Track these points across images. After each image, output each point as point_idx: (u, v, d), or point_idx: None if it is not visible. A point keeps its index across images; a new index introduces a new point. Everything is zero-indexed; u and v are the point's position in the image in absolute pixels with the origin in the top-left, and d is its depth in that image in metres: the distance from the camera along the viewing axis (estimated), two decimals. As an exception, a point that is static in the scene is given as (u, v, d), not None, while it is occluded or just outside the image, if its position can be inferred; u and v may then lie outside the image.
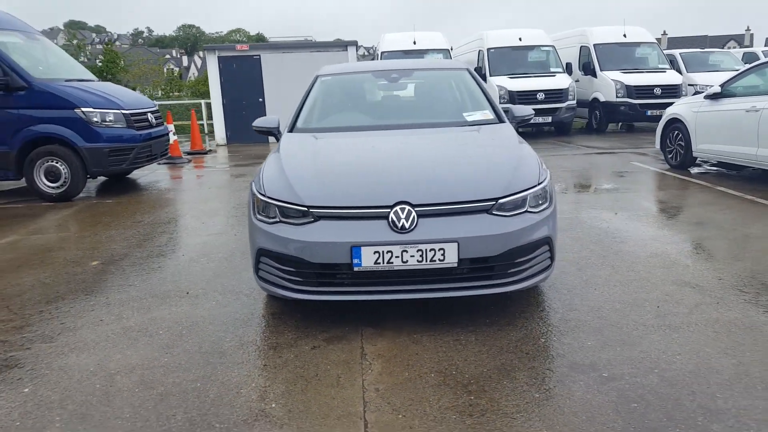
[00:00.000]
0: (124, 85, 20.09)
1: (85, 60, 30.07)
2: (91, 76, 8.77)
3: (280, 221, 3.18)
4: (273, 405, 2.59)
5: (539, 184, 3.30)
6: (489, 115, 4.30)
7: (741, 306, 3.48)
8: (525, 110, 4.53)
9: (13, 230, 6.05)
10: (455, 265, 3.00)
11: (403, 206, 3.03)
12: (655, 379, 2.68)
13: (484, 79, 14.25)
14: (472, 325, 3.31)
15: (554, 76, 13.96)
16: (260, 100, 14.87)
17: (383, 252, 2.97)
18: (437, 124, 4.19)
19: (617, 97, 13.56)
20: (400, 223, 3.00)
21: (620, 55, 14.60)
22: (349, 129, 4.20)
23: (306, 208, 3.12)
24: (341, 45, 15.21)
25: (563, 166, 9.11)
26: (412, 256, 2.97)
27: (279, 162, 3.61)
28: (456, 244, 2.97)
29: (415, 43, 14.61)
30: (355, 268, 3.00)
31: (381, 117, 4.51)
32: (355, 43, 15.12)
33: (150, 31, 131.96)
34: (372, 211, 3.06)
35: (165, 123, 9.50)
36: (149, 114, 8.38)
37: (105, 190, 8.55)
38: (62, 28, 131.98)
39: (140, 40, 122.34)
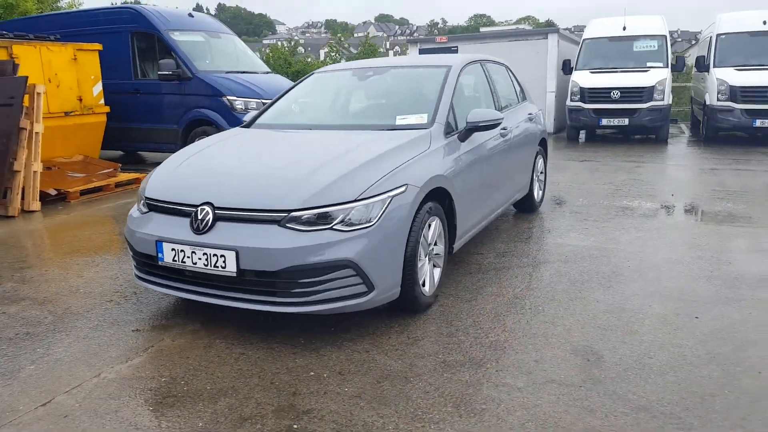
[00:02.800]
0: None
1: (343, 53, 33.72)
2: (261, 68, 10.08)
3: (138, 210, 3.50)
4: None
5: (357, 200, 2.96)
6: (423, 119, 3.86)
7: None
8: (482, 115, 3.93)
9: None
10: (234, 274, 2.94)
11: (205, 207, 3.07)
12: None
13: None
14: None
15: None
16: (455, 90, 14.95)
17: (178, 250, 3.08)
18: (362, 127, 3.95)
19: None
20: (196, 224, 3.05)
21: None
22: (288, 127, 4.23)
23: (144, 199, 3.38)
24: (541, 33, 14.29)
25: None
26: (199, 259, 3.02)
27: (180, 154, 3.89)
28: (235, 252, 2.91)
29: (624, 29, 12.87)
30: (159, 262, 3.17)
31: (326, 116, 4.41)
32: (556, 31, 14.04)
33: (444, 21, 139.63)
34: (181, 208, 3.18)
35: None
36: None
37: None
38: (373, 22, 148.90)
39: (435, 30, 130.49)
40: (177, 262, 3.10)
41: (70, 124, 8.12)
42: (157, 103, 9.17)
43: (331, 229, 2.91)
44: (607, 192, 6.94)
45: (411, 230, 3.22)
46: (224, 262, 2.95)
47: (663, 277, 4.01)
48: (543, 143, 6.02)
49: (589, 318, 3.37)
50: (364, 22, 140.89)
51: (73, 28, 9.33)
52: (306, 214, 2.92)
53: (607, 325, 3.28)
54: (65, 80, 7.96)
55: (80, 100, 8.22)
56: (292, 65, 25.59)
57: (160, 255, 3.16)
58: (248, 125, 4.40)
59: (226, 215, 3.04)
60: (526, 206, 5.89)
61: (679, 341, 3.06)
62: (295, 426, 2.39)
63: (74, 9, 10.46)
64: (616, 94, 11.59)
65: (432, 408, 2.50)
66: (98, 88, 8.55)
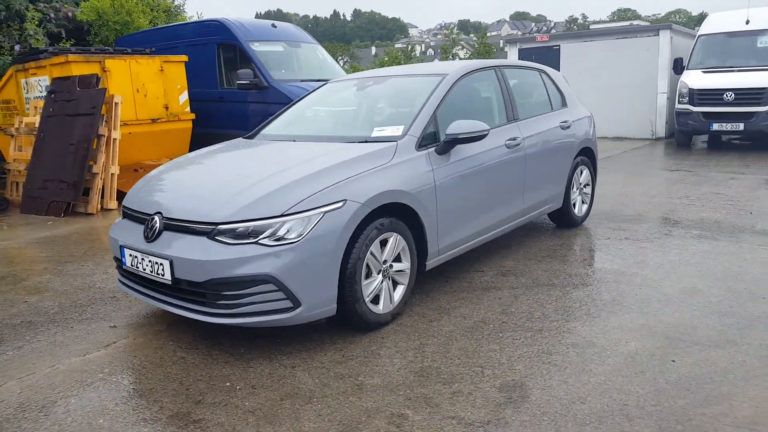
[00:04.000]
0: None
1: (462, 53, 33.22)
2: (340, 76, 10.32)
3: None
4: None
5: (284, 216, 2.95)
6: (398, 131, 3.73)
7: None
8: (464, 126, 3.71)
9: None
10: (170, 282, 3.07)
11: (155, 217, 3.24)
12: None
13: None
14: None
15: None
16: (554, 93, 14.21)
17: (134, 256, 3.28)
18: (340, 138, 3.90)
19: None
20: (146, 233, 3.23)
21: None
22: (277, 138, 4.28)
23: (124, 206, 3.63)
24: (652, 29, 13.10)
25: None
26: (147, 265, 3.19)
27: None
28: (170, 262, 3.04)
29: (747, 22, 11.41)
30: (123, 266, 3.40)
31: (314, 127, 4.41)
32: (669, 27, 12.80)
33: (585, 17, 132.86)
34: (141, 217, 3.37)
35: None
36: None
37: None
38: (508, 20, 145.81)
39: (574, 26, 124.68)
40: (134, 267, 3.30)
41: (157, 130, 8.89)
42: (240, 111, 9.74)
43: (256, 243, 2.93)
44: (675, 207, 6.22)
45: (353, 247, 3.14)
46: (162, 270, 3.09)
47: (666, 310, 3.53)
48: (588, 153, 5.55)
49: (545, 351, 3.07)
50: (498, 21, 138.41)
51: (170, 40, 10.20)
52: (231, 227, 2.97)
53: (561, 361, 2.96)
54: (152, 90, 8.74)
55: (166, 108, 8.97)
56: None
57: (123, 259, 3.38)
58: (251, 135, 4.54)
59: (171, 225, 3.17)
60: (563, 221, 5.47)
61: (630, 388, 2.68)
62: (173, 435, 2.45)
63: (171, 24, 11.39)
64: (729, 96, 10.34)
65: (313, 431, 2.43)
66: (184, 96, 9.27)
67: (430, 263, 3.76)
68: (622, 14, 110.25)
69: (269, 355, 3.14)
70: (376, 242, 3.28)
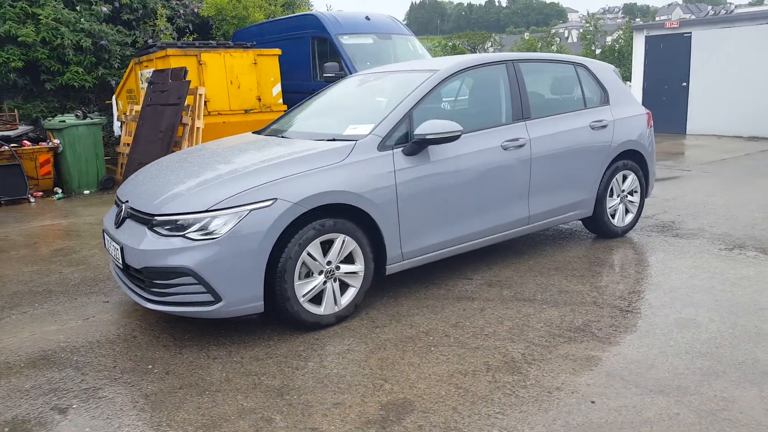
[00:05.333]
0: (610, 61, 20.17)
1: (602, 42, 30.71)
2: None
3: None
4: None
5: (209, 211, 3.06)
6: (366, 130, 3.63)
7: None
8: (434, 127, 3.52)
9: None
10: (122, 266, 3.33)
11: (123, 205, 3.52)
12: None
13: None
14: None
15: None
16: (683, 84, 12.75)
17: (107, 240, 3.60)
18: (311, 136, 3.91)
19: None
20: (115, 219, 3.52)
21: None
22: (273, 133, 4.36)
23: (116, 193, 3.98)
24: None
25: None
26: (112, 250, 3.49)
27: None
28: (121, 248, 3.30)
29: None
30: (106, 248, 3.74)
31: (305, 123, 4.38)
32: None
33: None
34: (117, 203, 3.68)
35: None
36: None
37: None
38: (680, 2, 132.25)
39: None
40: (107, 250, 3.63)
41: (250, 120, 9.47)
42: (328, 102, 10.05)
43: (183, 236, 3.07)
44: (753, 223, 5.34)
45: (286, 246, 3.16)
46: (118, 254, 3.35)
47: (637, 343, 3.09)
48: (635, 156, 4.95)
49: (461, 372, 2.85)
50: (669, 5, 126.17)
51: (274, 34, 10.78)
52: (164, 219, 3.13)
53: (469, 385, 2.74)
54: (245, 82, 9.33)
55: (259, 99, 9.52)
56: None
57: (105, 242, 3.72)
58: (261, 131, 4.69)
59: (131, 214, 3.42)
60: (598, 231, 4.96)
61: (520, 426, 2.41)
62: (56, 405, 2.67)
63: (277, 18, 11.96)
64: None
65: (173, 424, 2.52)
66: (277, 89, 9.76)
67: (392, 268, 3.65)
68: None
69: (205, 344, 3.28)
70: (316, 243, 3.27)
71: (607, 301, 3.67)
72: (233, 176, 3.27)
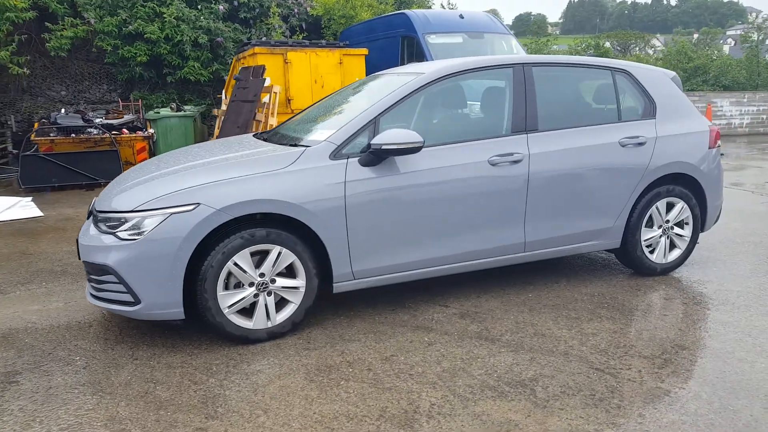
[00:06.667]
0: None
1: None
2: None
3: None
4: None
5: (133, 211, 3.05)
6: (322, 136, 3.39)
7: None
8: (391, 137, 3.20)
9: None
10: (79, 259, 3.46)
11: (94, 199, 3.65)
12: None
13: None
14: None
15: None
16: None
17: (85, 235, 3.76)
18: (279, 139, 3.77)
19: None
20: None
21: None
22: (268, 134, 4.27)
23: None
24: None
25: None
26: (83, 244, 3.64)
27: None
28: (77, 240, 3.42)
29: None
30: None
31: (292, 127, 4.16)
32: None
33: None
34: None
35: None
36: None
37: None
38: None
39: None
40: (85, 241, 3.79)
41: (331, 118, 9.57)
42: (413, 102, 9.81)
43: (113, 234, 3.09)
44: None
45: (209, 254, 3.06)
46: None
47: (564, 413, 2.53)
48: (687, 181, 4.15)
49: (332, 416, 2.54)
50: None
51: (369, 33, 10.78)
52: (103, 216, 3.17)
53: (336, 430, 2.42)
54: (329, 81, 9.40)
55: (342, 97, 9.57)
56: (693, 60, 22.09)
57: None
58: (269, 131, 4.63)
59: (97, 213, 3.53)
60: (632, 265, 4.24)
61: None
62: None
63: (373, 18, 11.89)
64: None
65: (44, 421, 2.53)
66: (361, 87, 9.73)
67: (341, 286, 3.39)
68: None
69: (139, 343, 3.29)
70: (245, 253, 3.12)
71: (583, 354, 3.09)
72: (170, 176, 3.24)
